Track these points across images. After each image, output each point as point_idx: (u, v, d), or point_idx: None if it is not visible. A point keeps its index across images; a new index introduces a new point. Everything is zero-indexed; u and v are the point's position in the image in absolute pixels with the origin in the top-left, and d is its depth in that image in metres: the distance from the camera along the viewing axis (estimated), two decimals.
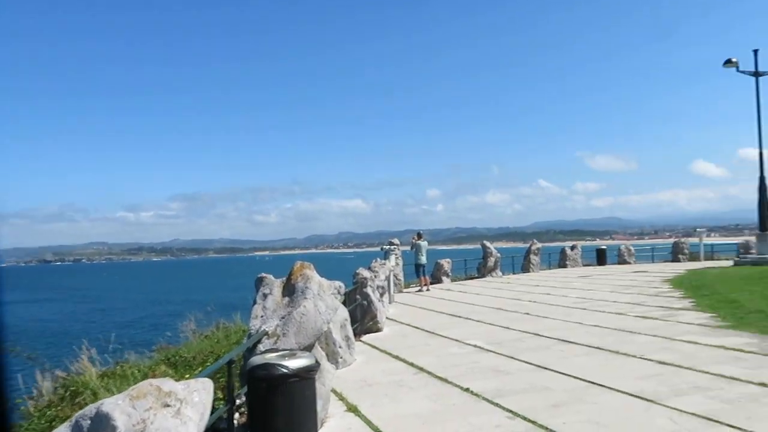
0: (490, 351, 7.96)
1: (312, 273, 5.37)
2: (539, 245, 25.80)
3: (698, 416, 4.76)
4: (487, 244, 23.43)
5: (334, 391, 6.10)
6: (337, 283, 6.58)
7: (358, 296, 10.37)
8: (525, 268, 24.69)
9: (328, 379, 5.33)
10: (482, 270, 22.89)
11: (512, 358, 7.45)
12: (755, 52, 22.03)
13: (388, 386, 6.39)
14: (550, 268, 26.45)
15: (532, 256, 24.79)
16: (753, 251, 23.28)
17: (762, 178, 21.74)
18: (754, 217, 22.21)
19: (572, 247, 27.59)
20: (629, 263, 27.14)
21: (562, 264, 26.54)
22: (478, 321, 10.89)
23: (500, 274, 23.01)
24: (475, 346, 8.41)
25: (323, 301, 5.32)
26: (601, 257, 27.74)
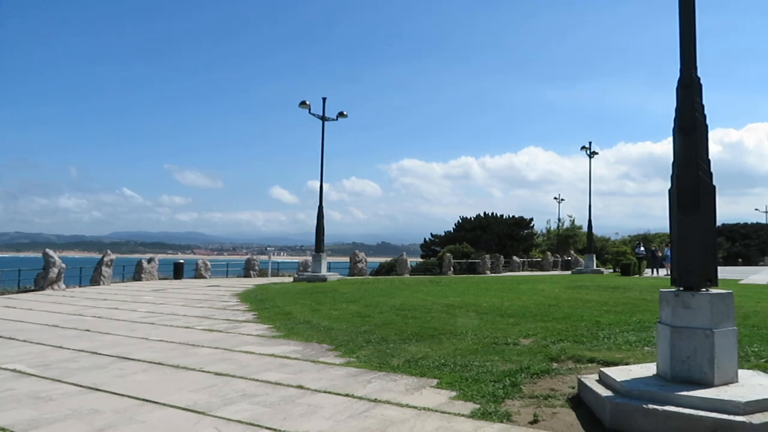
0: (33, 375, 6.90)
1: None
2: (113, 256, 24.20)
3: (242, 423, 5.05)
4: (50, 252, 20.76)
5: None
6: None
7: None
8: (95, 281, 22.77)
9: None
10: (41, 282, 20.11)
11: (60, 381, 6.60)
12: (324, 99, 25.82)
13: None
14: (124, 281, 25.11)
15: (104, 268, 23.05)
16: (309, 269, 26.93)
17: (320, 207, 25.44)
18: (314, 239, 25.81)
19: (149, 260, 26.82)
20: (205, 277, 27.95)
21: (137, 277, 25.49)
22: (24, 341, 9.38)
23: (63, 286, 20.63)
24: (13, 370, 7.16)
25: None
26: (177, 271, 27.83)
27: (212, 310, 13.74)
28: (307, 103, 25.06)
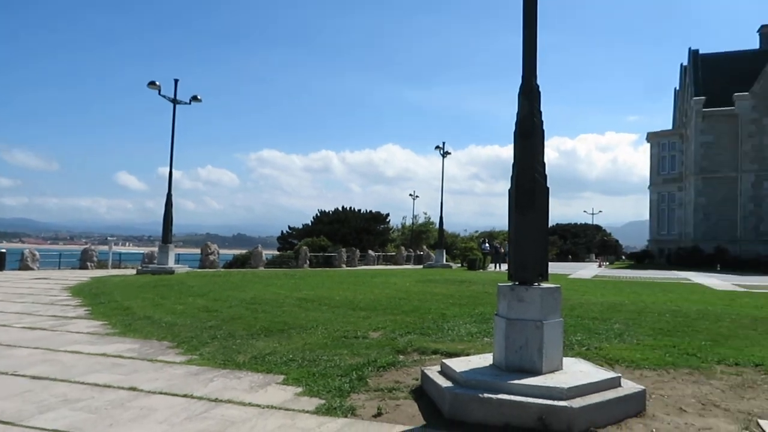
0: None
1: None
2: None
3: None
4: None
5: None
6: None
7: None
8: None
9: None
10: None
11: None
12: (176, 81, 24.39)
13: None
14: None
15: None
16: (155, 261, 25.32)
17: (169, 195, 24.02)
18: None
19: None
20: (33, 269, 25.16)
21: None
22: None
23: None
24: None
25: None
26: None
27: (37, 305, 12.34)
28: (157, 83, 23.46)
